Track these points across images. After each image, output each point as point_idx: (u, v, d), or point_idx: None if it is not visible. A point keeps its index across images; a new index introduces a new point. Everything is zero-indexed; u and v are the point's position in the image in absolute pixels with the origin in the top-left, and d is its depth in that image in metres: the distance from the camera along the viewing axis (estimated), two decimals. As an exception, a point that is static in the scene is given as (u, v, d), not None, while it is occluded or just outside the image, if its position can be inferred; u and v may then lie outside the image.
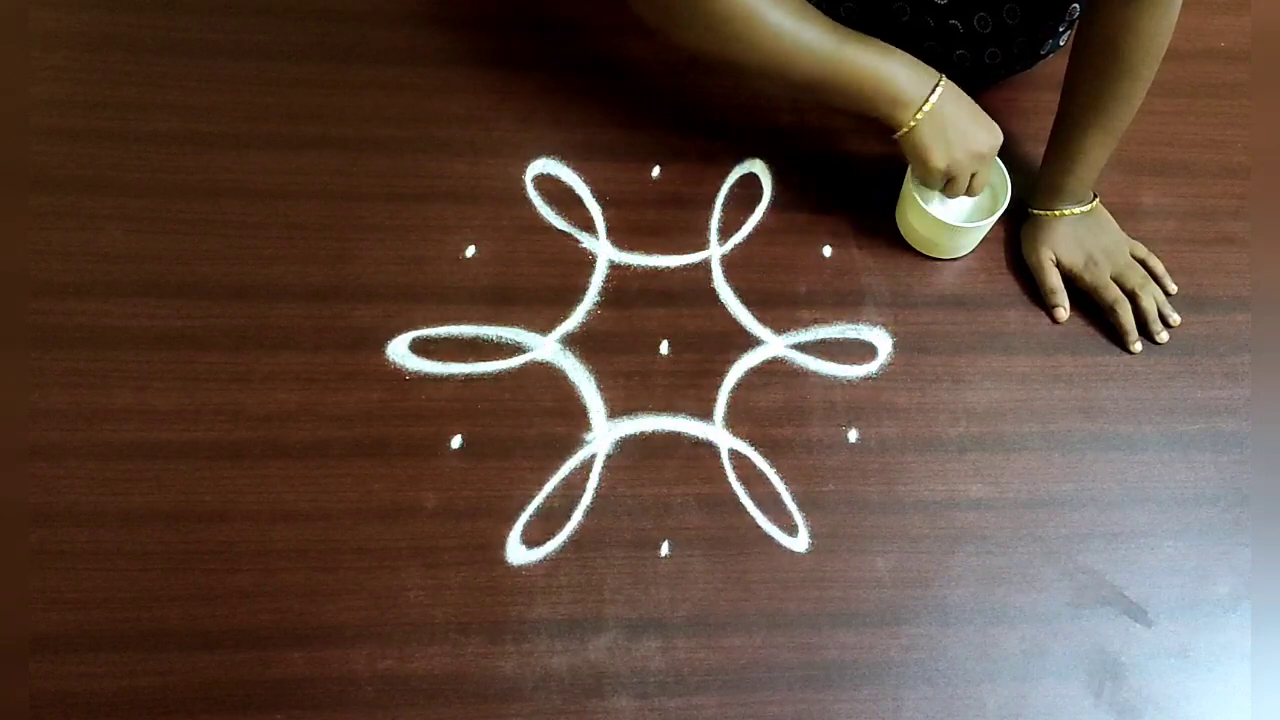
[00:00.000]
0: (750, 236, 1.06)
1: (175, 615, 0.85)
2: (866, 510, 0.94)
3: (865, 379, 1.00)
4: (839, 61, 0.89)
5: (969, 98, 0.95)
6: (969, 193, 0.99)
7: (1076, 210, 1.04)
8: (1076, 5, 1.03)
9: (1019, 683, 0.88)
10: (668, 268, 1.04)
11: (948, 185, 0.98)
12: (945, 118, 0.93)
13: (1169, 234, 1.10)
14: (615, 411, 0.96)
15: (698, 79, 1.14)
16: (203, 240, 1.00)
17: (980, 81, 1.13)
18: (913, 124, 0.92)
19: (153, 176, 1.03)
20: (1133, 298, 1.03)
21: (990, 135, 0.96)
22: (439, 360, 0.97)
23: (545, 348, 0.99)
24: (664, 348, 1.00)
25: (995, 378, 1.01)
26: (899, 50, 0.92)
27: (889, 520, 0.94)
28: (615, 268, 1.03)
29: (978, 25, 1.04)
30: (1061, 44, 1.09)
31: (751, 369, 0.99)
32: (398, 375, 0.96)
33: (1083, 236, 1.05)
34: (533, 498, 0.92)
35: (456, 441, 0.94)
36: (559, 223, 1.05)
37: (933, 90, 0.92)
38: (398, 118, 1.09)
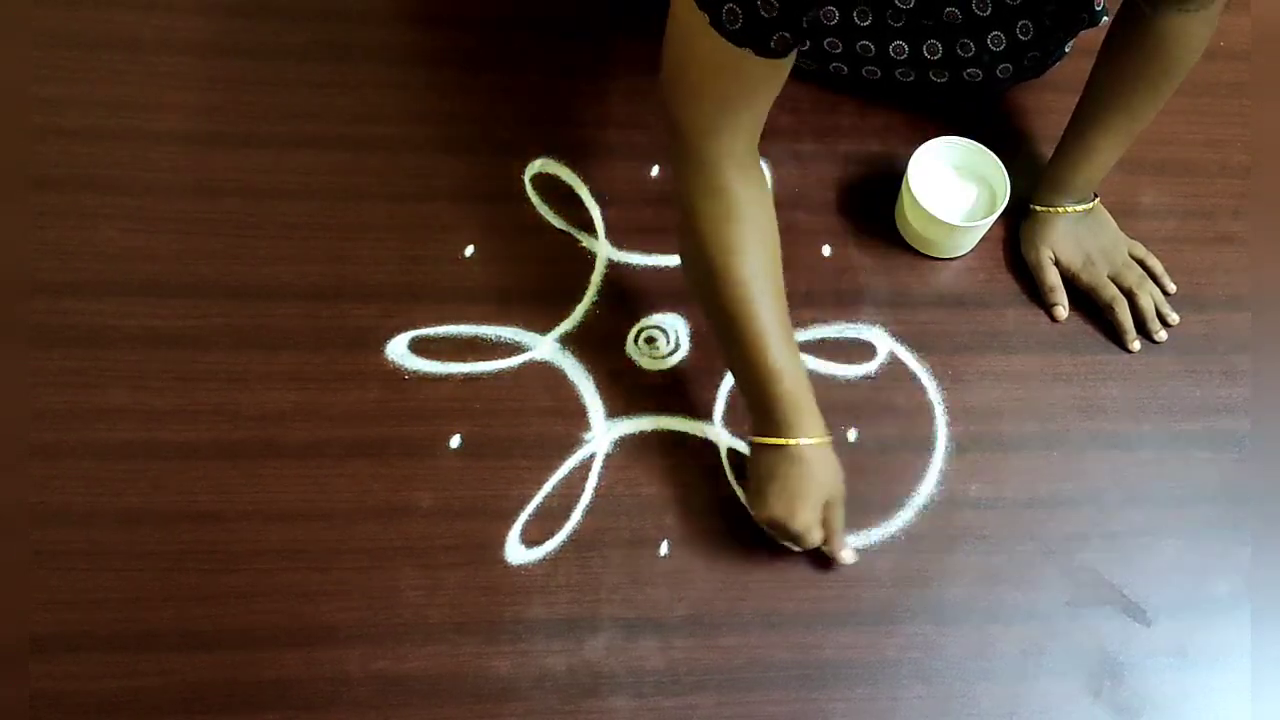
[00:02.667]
0: (749, 236, 1.06)
1: (171, 615, 0.85)
2: (865, 509, 0.94)
3: (864, 378, 1.00)
4: (767, 355, 0.85)
5: (826, 471, 0.87)
6: (781, 536, 0.90)
7: (1077, 208, 1.04)
8: (1085, 15, 1.02)
9: (1017, 682, 0.88)
10: (666, 267, 1.04)
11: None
12: (792, 475, 0.86)
13: (1168, 233, 1.10)
14: (614, 411, 0.96)
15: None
16: (201, 240, 1.00)
17: (988, 92, 1.13)
18: (769, 454, 0.87)
19: (151, 176, 1.03)
20: (1130, 296, 1.03)
21: (797, 510, 0.86)
22: (438, 360, 0.97)
23: (544, 347, 0.99)
24: (663, 347, 0.99)
25: (994, 377, 1.01)
26: (809, 395, 0.87)
27: (887, 519, 0.94)
28: (614, 267, 1.03)
29: (991, 44, 1.04)
30: (1066, 50, 1.09)
31: (750, 368, 0.99)
32: (396, 375, 0.96)
33: (1081, 236, 1.04)
34: (531, 497, 0.92)
35: (455, 441, 0.94)
36: (558, 222, 1.05)
37: (801, 437, 0.85)
38: (396, 117, 1.09)
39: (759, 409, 0.87)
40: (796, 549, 0.90)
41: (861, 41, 1.06)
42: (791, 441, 0.85)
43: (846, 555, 0.90)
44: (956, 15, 1.02)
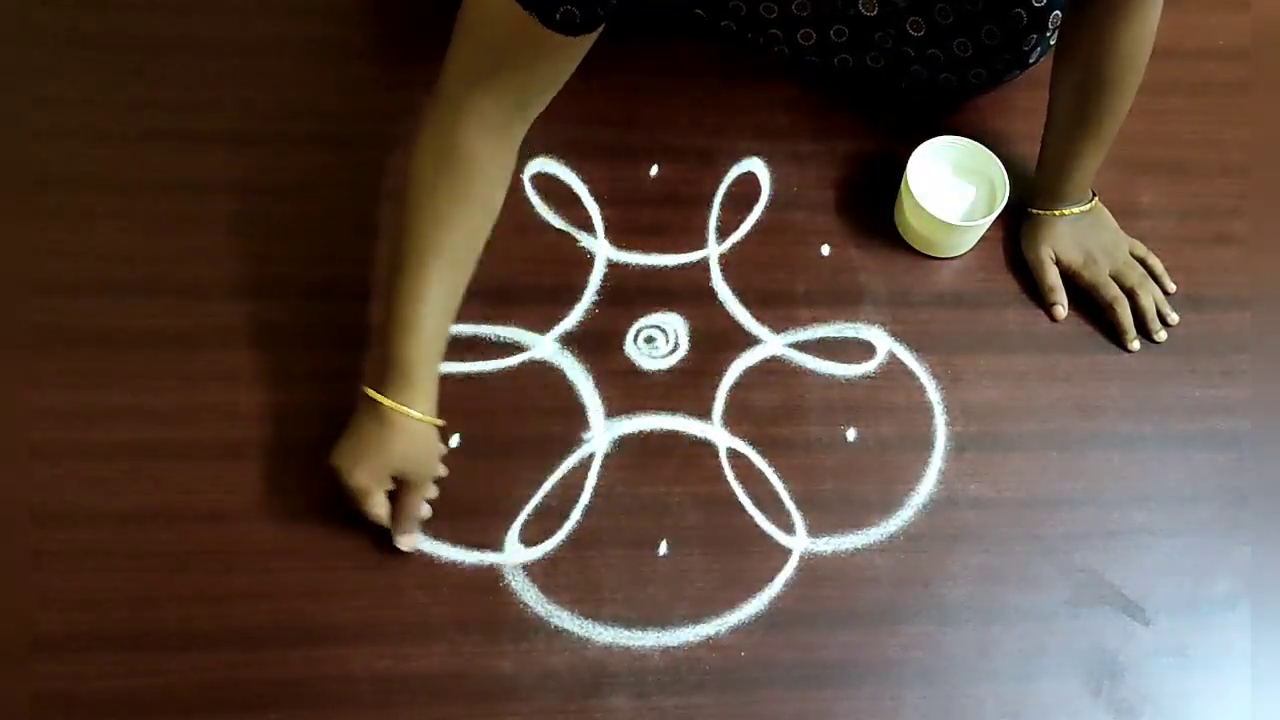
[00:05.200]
0: (748, 235, 1.06)
1: (173, 615, 0.85)
2: (864, 509, 0.94)
3: (863, 378, 1.00)
4: (392, 314, 0.84)
5: (409, 445, 0.85)
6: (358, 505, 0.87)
7: (1075, 210, 1.04)
8: (1059, 12, 1.03)
9: (1017, 681, 0.88)
10: (666, 267, 1.04)
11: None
12: (364, 421, 0.85)
13: (1168, 233, 1.10)
14: (613, 410, 0.96)
15: (696, 78, 1.14)
16: (199, 239, 1.00)
17: (970, 96, 1.13)
18: (365, 403, 0.85)
19: (151, 175, 1.03)
20: (1131, 296, 1.03)
21: (357, 466, 0.84)
22: (437, 359, 0.97)
23: (543, 347, 0.99)
24: (663, 347, 0.99)
25: (993, 376, 1.01)
26: (429, 375, 0.86)
27: (887, 519, 0.94)
28: (613, 266, 1.03)
29: (958, 50, 1.04)
30: (1051, 43, 1.09)
31: (750, 368, 0.99)
32: (396, 374, 0.96)
33: (1082, 235, 1.05)
34: (531, 497, 0.92)
35: (455, 440, 0.94)
36: (557, 221, 1.05)
37: (384, 397, 0.84)
38: (397, 116, 1.09)
39: (383, 359, 0.85)
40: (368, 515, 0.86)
41: (836, 26, 1.07)
42: (387, 402, 0.83)
43: (403, 542, 0.87)
44: (920, 25, 1.02)
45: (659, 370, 0.99)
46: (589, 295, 1.01)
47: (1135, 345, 1.03)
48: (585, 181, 1.07)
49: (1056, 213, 1.04)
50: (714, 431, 0.96)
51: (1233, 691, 0.89)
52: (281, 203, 1.03)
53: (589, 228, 1.05)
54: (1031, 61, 1.09)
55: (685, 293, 1.02)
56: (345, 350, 0.96)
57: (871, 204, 1.09)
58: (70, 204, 1.01)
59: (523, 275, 1.02)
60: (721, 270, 1.04)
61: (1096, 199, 1.06)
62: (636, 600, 0.89)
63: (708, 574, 0.90)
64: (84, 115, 1.05)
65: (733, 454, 0.95)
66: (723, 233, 1.06)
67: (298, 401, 0.94)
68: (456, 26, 0.80)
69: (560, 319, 1.00)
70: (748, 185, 1.09)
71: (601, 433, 0.96)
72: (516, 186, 1.06)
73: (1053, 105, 1.01)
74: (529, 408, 0.96)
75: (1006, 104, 1.15)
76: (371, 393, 0.85)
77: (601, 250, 1.04)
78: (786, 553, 0.92)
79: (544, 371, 0.98)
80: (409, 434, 0.85)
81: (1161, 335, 1.03)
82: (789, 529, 0.92)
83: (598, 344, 0.99)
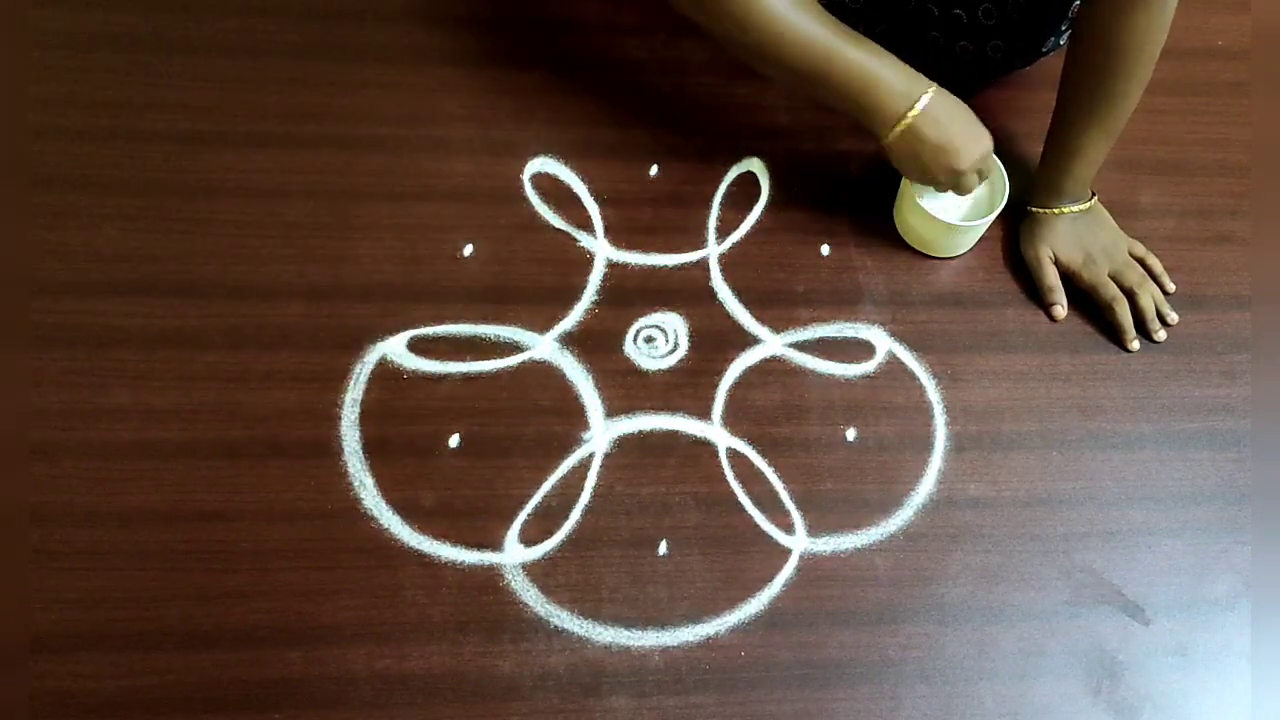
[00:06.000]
0: (748, 235, 1.06)
1: (172, 615, 0.85)
2: (864, 509, 0.94)
3: (863, 378, 1.00)
4: (829, 56, 0.89)
5: (959, 107, 0.95)
6: (959, 193, 0.99)
7: (1075, 208, 1.04)
8: (1079, 1, 1.03)
9: (1017, 681, 0.88)
10: (666, 266, 1.04)
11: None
12: (923, 136, 0.92)
13: (1167, 232, 1.10)
14: (613, 410, 0.96)
15: (696, 77, 1.15)
16: (200, 239, 1.00)
17: (981, 75, 1.13)
18: (889, 139, 0.93)
19: (150, 176, 1.03)
20: (1130, 296, 1.03)
21: (971, 151, 0.94)
22: (437, 359, 0.97)
23: (543, 347, 0.99)
24: (662, 347, 0.99)
25: (993, 376, 1.01)
26: (892, 57, 0.91)
27: (887, 519, 0.94)
28: (613, 266, 1.03)
29: (982, 17, 1.04)
30: (1061, 43, 1.09)
31: (749, 368, 0.99)
32: (396, 374, 0.96)
33: (1081, 234, 1.05)
34: (531, 496, 0.92)
35: (454, 440, 0.94)
36: (557, 221, 1.05)
37: (913, 106, 0.91)
38: (395, 117, 1.09)
39: (866, 108, 0.92)
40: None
41: None
42: (917, 109, 0.91)
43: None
44: None
45: (659, 370, 0.99)
46: (589, 295, 1.01)
47: (1135, 345, 1.03)
48: (585, 181, 1.07)
49: (1056, 211, 1.04)
50: (714, 431, 0.96)
51: (1233, 691, 0.89)
52: (281, 203, 1.03)
53: (589, 228, 1.05)
54: (1044, 51, 1.09)
55: (685, 292, 1.02)
56: (345, 350, 0.96)
57: (871, 204, 1.09)
58: (70, 204, 1.01)
59: (522, 275, 1.02)
60: (721, 270, 1.04)
61: (1095, 198, 1.06)
62: (636, 600, 0.89)
63: (708, 574, 0.90)
64: (84, 115, 1.05)
65: (732, 454, 0.95)
66: (722, 232, 1.06)
67: (297, 401, 0.94)
68: None
69: (560, 319, 1.00)
70: (747, 185, 1.09)
71: (601, 433, 0.96)
72: (516, 187, 1.06)
73: (1062, 91, 1.01)
74: (529, 408, 0.96)
75: (1007, 104, 1.15)
76: (901, 123, 0.92)
77: (601, 250, 1.04)
78: (786, 553, 0.92)
79: (544, 371, 0.98)
80: (945, 105, 0.93)
81: (1161, 335, 1.03)
82: (789, 529, 0.92)
83: (597, 344, 0.99)
